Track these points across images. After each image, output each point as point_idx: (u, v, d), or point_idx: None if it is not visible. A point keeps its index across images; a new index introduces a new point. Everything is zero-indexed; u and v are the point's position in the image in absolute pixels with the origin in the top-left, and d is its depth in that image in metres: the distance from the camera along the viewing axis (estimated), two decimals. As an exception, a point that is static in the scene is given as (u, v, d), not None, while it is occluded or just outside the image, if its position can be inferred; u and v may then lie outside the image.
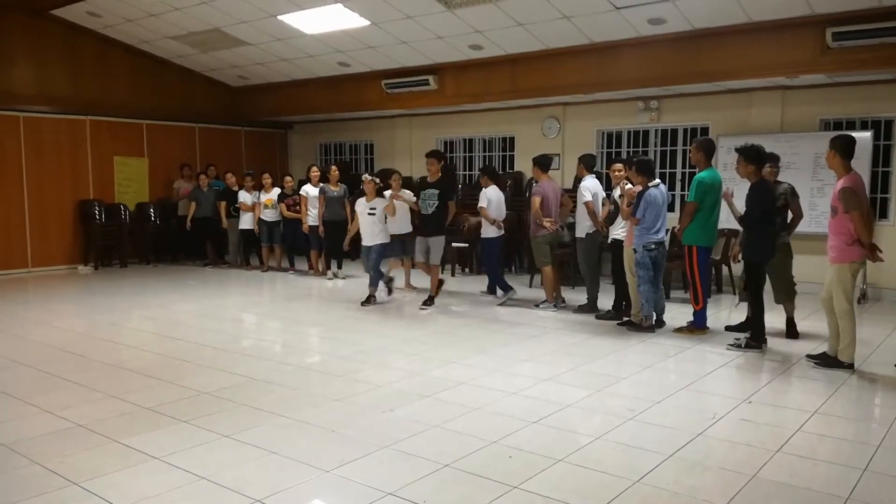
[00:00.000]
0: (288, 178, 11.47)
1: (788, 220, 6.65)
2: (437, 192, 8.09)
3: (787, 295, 6.69)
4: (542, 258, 8.07)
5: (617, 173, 7.58)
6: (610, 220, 7.63)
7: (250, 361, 5.93)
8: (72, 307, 8.92)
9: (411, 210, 8.82)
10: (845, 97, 9.07)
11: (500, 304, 8.40)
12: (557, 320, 7.53)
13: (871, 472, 3.64)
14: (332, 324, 7.47)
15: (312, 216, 10.51)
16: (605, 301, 7.85)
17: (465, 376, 5.37)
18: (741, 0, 7.76)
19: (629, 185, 7.11)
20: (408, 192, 9.04)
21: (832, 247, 5.52)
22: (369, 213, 8.27)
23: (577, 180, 8.20)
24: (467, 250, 11.20)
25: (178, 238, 12.58)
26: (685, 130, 10.52)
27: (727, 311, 8.12)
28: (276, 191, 11.38)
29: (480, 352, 6.16)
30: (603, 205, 7.94)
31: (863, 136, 8.53)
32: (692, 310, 6.81)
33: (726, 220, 7.40)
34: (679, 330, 6.87)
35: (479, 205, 8.58)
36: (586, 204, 7.68)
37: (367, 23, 9.70)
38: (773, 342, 6.38)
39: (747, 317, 6.66)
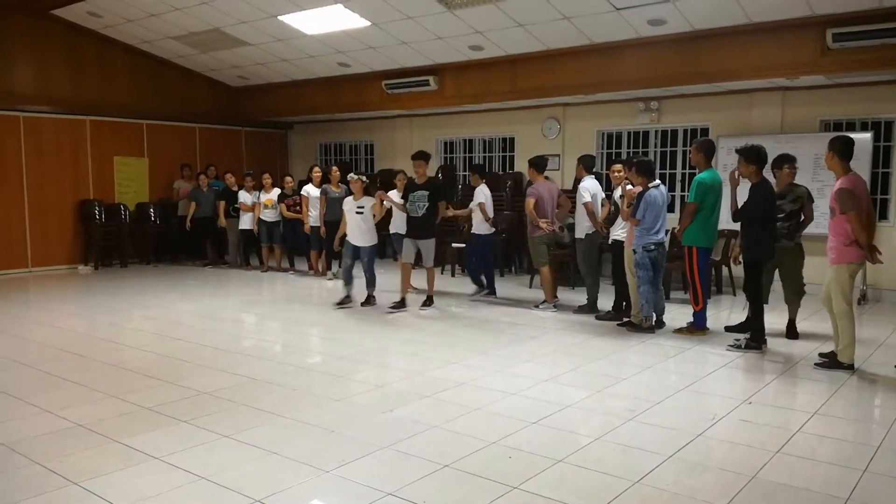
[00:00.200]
0: (288, 179, 11.48)
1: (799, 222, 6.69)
2: (426, 193, 7.96)
3: (796, 296, 6.70)
4: (540, 258, 8.11)
5: (616, 174, 7.59)
6: (610, 220, 7.63)
7: (250, 362, 5.93)
8: (72, 307, 8.92)
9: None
10: (846, 98, 9.07)
11: (473, 299, 8.61)
12: (557, 321, 7.53)
13: (870, 473, 3.64)
14: (332, 324, 7.47)
15: (314, 217, 10.50)
16: (606, 302, 7.85)
17: (466, 377, 5.37)
18: (741, 1, 7.76)
19: (630, 186, 7.11)
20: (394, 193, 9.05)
21: (831, 248, 5.54)
22: (357, 212, 8.10)
23: (577, 181, 8.21)
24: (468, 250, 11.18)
25: (178, 238, 12.58)
26: (685, 131, 10.52)
27: (727, 312, 8.12)
28: (276, 191, 11.38)
29: (480, 352, 6.16)
30: (602, 205, 7.96)
31: (863, 137, 8.53)
32: (692, 311, 6.81)
33: (726, 220, 7.40)
34: (679, 331, 6.87)
35: (478, 201, 8.67)
36: (585, 205, 7.69)
37: (367, 23, 9.71)
38: (772, 343, 6.38)
39: (747, 317, 6.67)
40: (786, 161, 6.69)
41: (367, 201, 8.09)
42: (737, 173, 6.36)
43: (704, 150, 6.75)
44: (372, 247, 8.22)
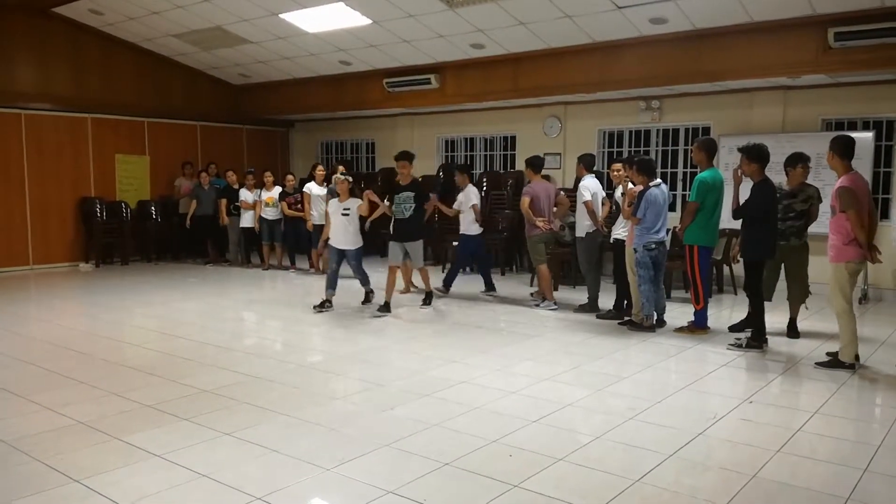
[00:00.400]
0: (290, 177, 11.48)
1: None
2: (412, 194, 7.75)
3: (800, 294, 6.70)
4: (538, 257, 8.14)
5: (616, 173, 7.60)
6: (610, 220, 7.64)
7: (251, 360, 5.93)
8: (73, 305, 8.94)
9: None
10: (847, 97, 9.06)
11: (439, 293, 8.67)
12: (558, 320, 7.53)
13: (871, 472, 3.64)
14: (333, 322, 7.47)
15: (316, 215, 10.46)
16: (607, 301, 7.84)
17: (466, 375, 5.37)
18: (743, 0, 7.75)
19: (631, 185, 7.11)
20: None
21: (831, 246, 5.55)
22: (343, 214, 7.87)
23: (578, 180, 8.21)
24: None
25: (179, 236, 12.59)
26: (687, 130, 10.51)
27: (728, 311, 8.12)
28: (278, 189, 11.39)
29: (481, 351, 6.16)
30: (603, 204, 7.98)
31: (864, 137, 8.53)
32: (693, 309, 6.81)
33: (728, 220, 7.39)
34: (680, 330, 6.87)
35: (472, 203, 8.74)
36: (585, 203, 7.70)
37: (368, 21, 9.71)
38: (773, 342, 6.38)
39: (748, 313, 6.66)
40: (800, 160, 6.67)
41: (353, 203, 7.87)
42: (740, 171, 6.35)
43: (706, 149, 6.75)
44: (358, 249, 8.02)
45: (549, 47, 9.87)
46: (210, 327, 7.30)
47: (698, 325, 6.78)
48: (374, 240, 11.07)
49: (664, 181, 7.23)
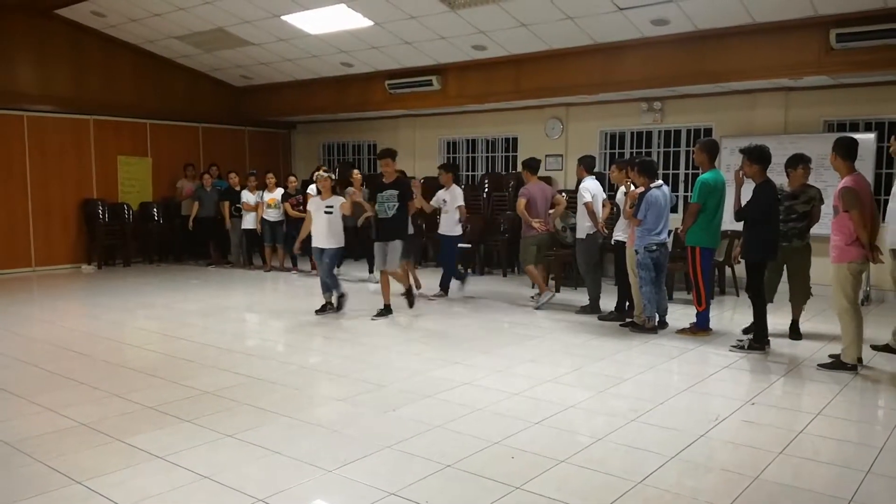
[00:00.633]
0: (292, 178, 11.49)
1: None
2: (395, 192, 7.50)
3: (802, 296, 6.70)
4: (527, 257, 8.23)
5: (615, 174, 7.61)
6: (610, 221, 7.66)
7: (253, 361, 5.93)
8: (75, 306, 8.94)
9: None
10: (849, 98, 9.06)
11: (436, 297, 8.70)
12: (559, 321, 7.53)
13: (874, 474, 3.63)
14: (335, 324, 7.47)
15: None
16: (608, 302, 7.84)
17: (468, 377, 5.37)
18: (744, 1, 7.75)
19: (633, 187, 7.11)
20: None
21: (833, 246, 5.54)
22: (325, 212, 7.67)
23: (580, 182, 8.22)
24: (471, 251, 11.19)
25: (181, 237, 12.60)
26: (688, 131, 10.51)
27: (730, 313, 8.11)
28: (280, 191, 11.39)
29: (483, 352, 6.15)
30: (604, 206, 7.99)
31: (866, 138, 8.52)
32: (695, 311, 6.80)
33: (730, 221, 7.37)
34: (682, 331, 6.86)
35: (458, 203, 8.78)
36: (586, 205, 7.74)
37: (370, 23, 9.72)
38: (775, 343, 6.37)
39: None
40: (800, 161, 6.67)
41: (336, 201, 7.74)
42: (741, 173, 6.35)
43: (708, 150, 6.74)
44: (337, 249, 7.78)
45: (551, 49, 9.87)
46: (212, 329, 7.30)
47: (700, 327, 6.77)
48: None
49: (666, 182, 7.22)
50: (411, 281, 9.07)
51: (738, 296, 9.03)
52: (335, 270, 8.00)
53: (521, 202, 8.05)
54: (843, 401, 4.89)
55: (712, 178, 6.61)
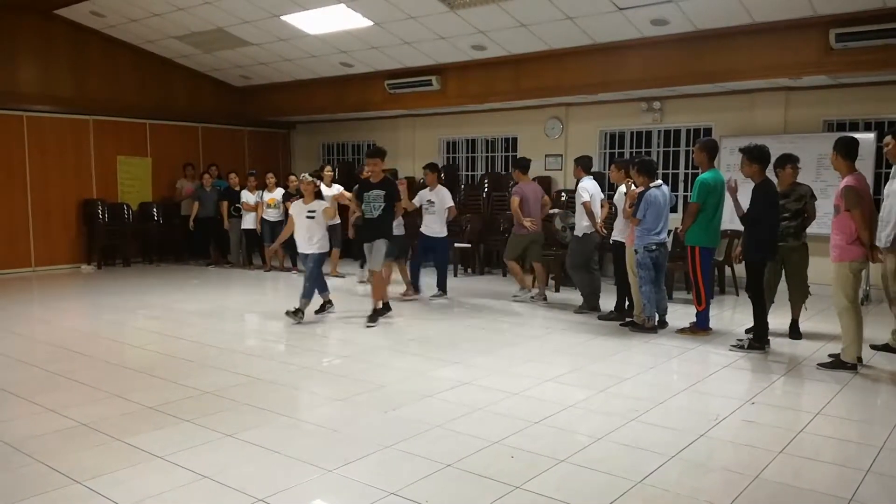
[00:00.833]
0: (292, 177, 11.48)
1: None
2: (382, 193, 7.33)
3: (800, 295, 6.71)
4: (511, 252, 8.50)
5: (614, 174, 7.63)
6: (609, 221, 7.68)
7: (253, 361, 5.93)
8: (75, 306, 8.94)
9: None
10: (849, 98, 9.06)
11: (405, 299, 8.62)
12: (559, 321, 7.53)
13: (874, 473, 3.64)
14: (335, 324, 7.47)
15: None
16: (608, 302, 7.84)
17: (468, 376, 5.37)
18: (744, 1, 7.75)
19: (633, 186, 7.12)
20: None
21: (834, 245, 5.54)
22: (308, 216, 7.41)
23: (578, 182, 8.24)
24: (470, 251, 11.20)
25: (181, 238, 12.60)
26: (688, 131, 10.51)
27: (730, 312, 8.11)
28: (280, 191, 11.39)
29: (483, 352, 6.16)
30: (602, 206, 8.04)
31: (866, 138, 8.52)
32: (695, 311, 6.80)
33: (729, 220, 7.39)
34: (682, 331, 6.87)
35: (448, 205, 8.73)
36: (584, 204, 7.78)
37: (370, 23, 9.72)
38: (775, 343, 6.37)
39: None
40: (788, 161, 6.69)
41: (319, 205, 7.46)
42: (734, 181, 6.39)
43: (707, 150, 6.75)
44: (319, 255, 7.47)
45: (551, 49, 9.87)
46: (212, 329, 7.30)
47: (700, 327, 6.78)
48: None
49: (665, 182, 7.23)
50: (407, 286, 8.99)
51: (737, 295, 9.03)
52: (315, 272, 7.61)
53: (515, 200, 8.27)
54: (843, 400, 4.89)
55: (711, 178, 6.61)
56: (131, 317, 8.00)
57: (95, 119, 12.17)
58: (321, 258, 7.54)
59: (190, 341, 6.68)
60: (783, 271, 6.76)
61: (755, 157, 6.14)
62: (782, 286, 6.81)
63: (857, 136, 6.01)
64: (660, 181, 7.00)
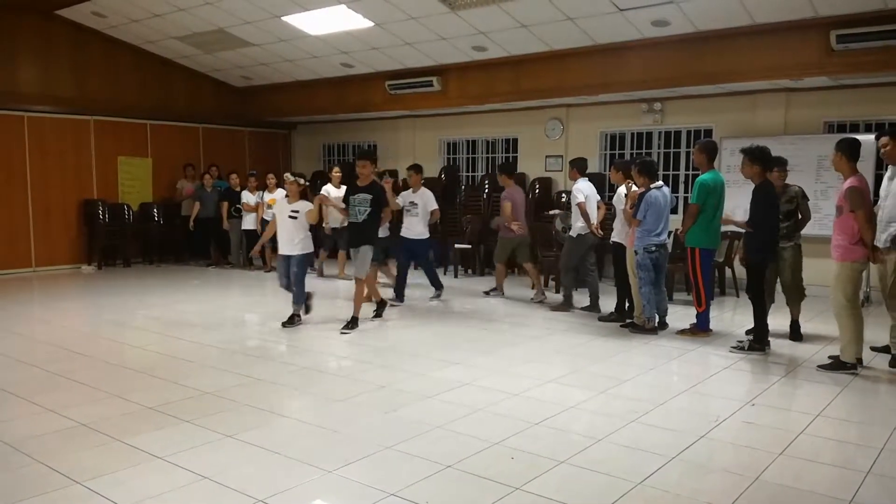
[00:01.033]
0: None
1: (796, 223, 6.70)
2: (369, 197, 7.03)
3: (797, 296, 6.71)
4: (501, 254, 8.76)
5: (614, 175, 7.64)
6: (607, 222, 7.72)
7: (253, 362, 5.93)
8: (76, 307, 8.95)
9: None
10: (849, 100, 9.06)
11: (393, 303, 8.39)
12: (560, 322, 7.53)
13: (874, 474, 3.64)
14: (335, 324, 7.46)
15: (332, 219, 10.16)
16: (608, 303, 7.84)
17: (468, 377, 5.37)
18: (745, 2, 7.75)
19: (634, 187, 7.12)
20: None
21: (836, 246, 5.54)
22: (290, 217, 7.16)
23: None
24: (470, 251, 11.19)
25: (181, 238, 12.60)
26: (689, 132, 10.51)
27: (731, 314, 8.11)
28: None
29: (483, 353, 6.16)
30: (598, 207, 8.10)
31: (867, 139, 8.50)
32: (695, 312, 6.80)
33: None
34: (682, 332, 6.87)
35: (432, 208, 8.62)
36: (578, 205, 7.85)
37: (370, 24, 9.72)
38: (776, 344, 6.37)
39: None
40: (776, 164, 6.68)
41: (303, 206, 7.20)
42: (729, 215, 6.55)
43: (706, 151, 6.75)
44: (303, 256, 7.23)
45: (551, 49, 9.87)
46: (212, 329, 7.30)
47: (701, 328, 6.78)
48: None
49: (666, 183, 7.23)
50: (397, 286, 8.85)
51: (738, 297, 9.03)
52: (287, 283, 7.40)
53: (508, 206, 8.50)
54: (843, 402, 4.89)
55: (711, 179, 6.61)
56: (131, 317, 8.00)
57: (96, 119, 12.18)
58: (304, 260, 7.30)
59: (190, 342, 6.68)
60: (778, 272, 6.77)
61: (756, 157, 6.14)
62: (778, 287, 6.82)
63: (857, 137, 6.00)
64: (660, 182, 7.00)
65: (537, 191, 11.23)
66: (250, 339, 7.18)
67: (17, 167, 11.26)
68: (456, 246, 11.01)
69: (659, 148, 10.81)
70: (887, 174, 5.93)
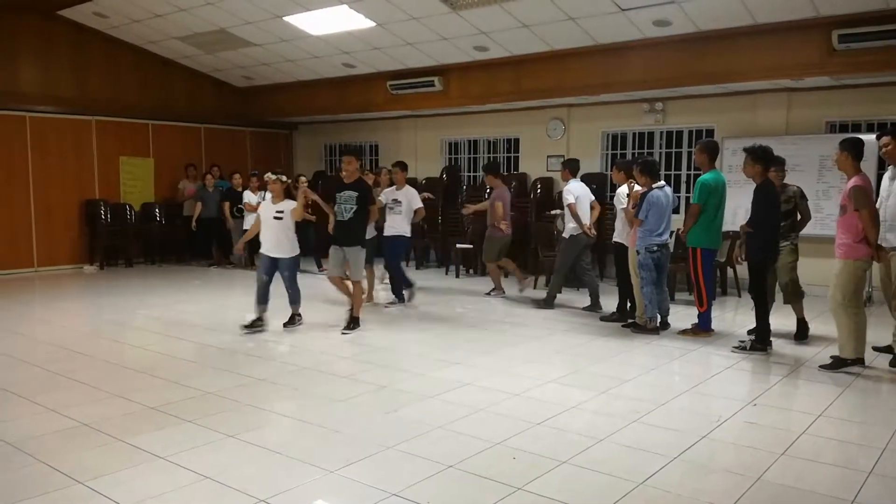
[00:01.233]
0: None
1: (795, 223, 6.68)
2: (355, 194, 6.92)
3: (794, 295, 6.70)
4: (490, 254, 8.88)
5: (615, 175, 7.65)
6: (607, 222, 7.74)
7: (255, 362, 5.94)
8: (77, 307, 8.95)
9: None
10: (851, 99, 9.04)
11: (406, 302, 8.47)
12: (561, 322, 7.53)
13: (876, 474, 3.63)
14: (336, 325, 7.46)
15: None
16: (609, 303, 7.84)
17: (469, 377, 5.37)
18: (746, 2, 7.75)
19: (637, 187, 7.12)
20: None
21: (840, 244, 5.54)
22: (275, 217, 6.96)
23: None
24: (472, 252, 11.19)
25: (183, 238, 12.61)
26: (690, 132, 10.50)
27: (732, 314, 8.10)
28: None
29: (484, 353, 6.16)
30: (592, 208, 8.13)
31: (869, 139, 8.48)
32: (697, 312, 6.80)
33: (731, 222, 7.37)
34: (684, 332, 6.86)
35: (418, 206, 8.53)
36: (569, 206, 7.89)
37: (372, 24, 9.72)
38: (777, 344, 6.36)
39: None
40: (774, 163, 6.67)
41: (288, 205, 7.00)
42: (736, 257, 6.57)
43: (708, 151, 6.75)
44: (292, 258, 7.07)
45: (553, 49, 9.87)
46: (214, 329, 7.30)
47: (702, 328, 6.77)
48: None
49: (668, 183, 7.23)
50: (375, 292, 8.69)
51: (739, 297, 9.03)
52: (266, 281, 7.18)
53: (500, 206, 8.63)
54: (844, 402, 4.89)
55: (712, 179, 6.60)
56: (133, 317, 8.01)
57: (97, 119, 12.19)
58: (294, 262, 7.15)
59: (192, 342, 6.68)
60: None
61: (759, 157, 6.13)
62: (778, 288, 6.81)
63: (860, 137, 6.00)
64: (662, 182, 7.00)
65: (538, 191, 11.22)
66: (251, 340, 7.17)
67: (18, 167, 11.28)
68: (457, 246, 11.01)
69: (660, 148, 10.80)
70: (888, 174, 5.92)
